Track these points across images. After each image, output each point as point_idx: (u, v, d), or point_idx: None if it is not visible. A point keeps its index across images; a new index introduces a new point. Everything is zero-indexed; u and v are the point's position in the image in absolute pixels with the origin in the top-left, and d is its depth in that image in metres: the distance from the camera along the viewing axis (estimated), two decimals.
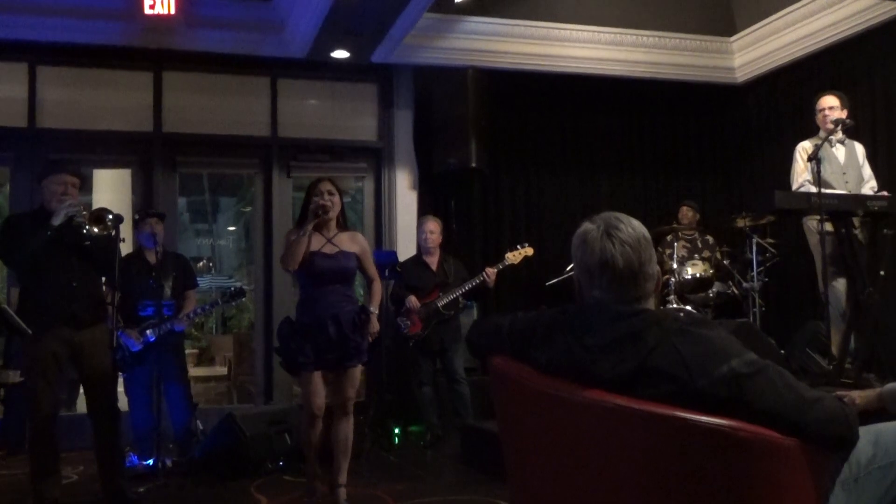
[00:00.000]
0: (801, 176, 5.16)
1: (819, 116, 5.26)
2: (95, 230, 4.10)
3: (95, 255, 4.16)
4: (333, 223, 4.20)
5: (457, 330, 6.00)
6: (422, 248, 6.26)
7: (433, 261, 6.16)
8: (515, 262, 6.08)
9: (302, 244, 4.03)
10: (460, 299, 6.07)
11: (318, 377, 4.10)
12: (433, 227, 6.17)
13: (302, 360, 4.05)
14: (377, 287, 4.38)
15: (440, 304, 5.95)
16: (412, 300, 5.97)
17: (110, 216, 4.16)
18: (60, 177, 4.18)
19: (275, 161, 7.06)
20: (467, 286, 5.96)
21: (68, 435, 4.62)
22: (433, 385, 6.10)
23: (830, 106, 5.21)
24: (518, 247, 6.13)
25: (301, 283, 4.22)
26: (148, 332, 5.07)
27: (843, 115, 5.18)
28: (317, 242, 4.12)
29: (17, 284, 6.29)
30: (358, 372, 4.19)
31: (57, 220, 4.03)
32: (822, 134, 5.22)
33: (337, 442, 4.12)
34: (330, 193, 4.14)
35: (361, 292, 8.14)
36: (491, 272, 5.93)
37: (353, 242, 4.24)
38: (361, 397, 7.22)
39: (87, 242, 4.11)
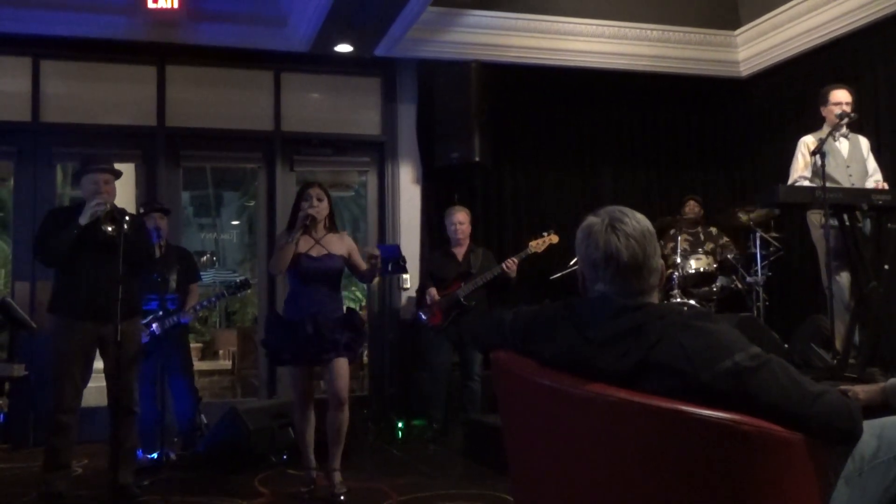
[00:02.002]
0: (798, 172, 5.14)
1: (833, 109, 5.19)
2: (110, 229, 4.15)
3: (126, 251, 4.17)
4: (322, 225, 4.40)
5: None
6: (451, 240, 6.23)
7: (460, 251, 6.13)
8: (539, 251, 6.00)
9: (288, 252, 4.23)
10: (485, 292, 6.00)
11: (302, 369, 4.30)
12: (462, 217, 6.15)
13: (284, 355, 4.30)
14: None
15: (461, 294, 5.90)
16: (432, 292, 5.95)
17: (127, 219, 4.19)
18: (92, 177, 4.27)
19: (278, 155, 7.06)
20: (488, 277, 5.91)
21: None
22: (446, 381, 6.01)
23: (847, 101, 5.17)
24: (543, 234, 6.06)
25: (289, 281, 4.43)
26: (153, 325, 5.09)
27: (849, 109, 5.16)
28: (305, 244, 4.32)
29: (23, 278, 6.35)
30: (343, 365, 4.30)
31: (84, 220, 4.14)
32: (826, 127, 5.19)
33: (329, 430, 4.30)
34: (318, 199, 4.35)
35: (360, 295, 8.17)
36: (511, 263, 5.89)
37: (341, 244, 4.42)
38: (365, 391, 7.25)
39: (113, 237, 4.14)
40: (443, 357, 6.00)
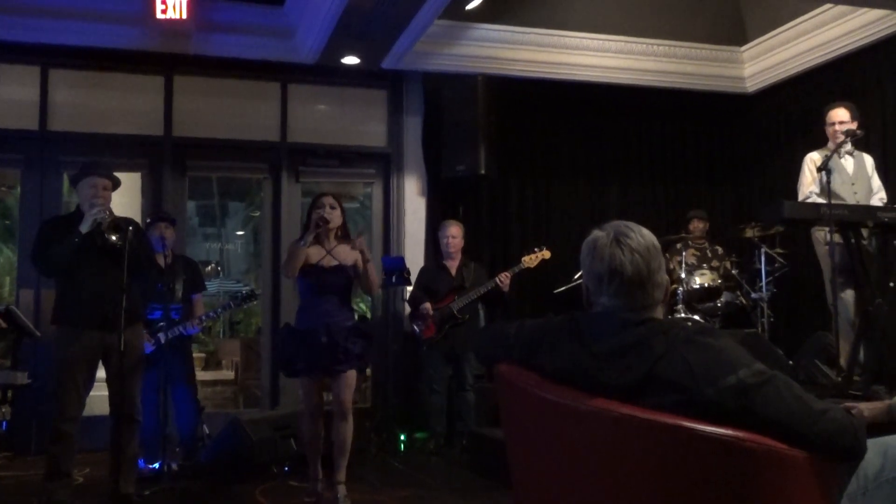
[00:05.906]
0: (807, 187, 5.14)
1: (829, 130, 5.23)
2: (114, 238, 4.14)
3: (129, 259, 4.16)
4: (333, 235, 4.42)
5: (469, 336, 5.98)
6: (443, 253, 6.28)
7: (453, 265, 6.18)
8: (532, 266, 6.05)
9: (301, 255, 4.28)
10: (478, 305, 6.06)
11: (314, 380, 4.34)
12: (455, 231, 6.20)
13: (297, 365, 4.30)
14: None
15: (455, 308, 5.95)
16: (427, 305, 5.98)
17: (131, 227, 4.18)
18: (92, 180, 4.25)
19: (284, 166, 7.07)
20: (481, 291, 5.97)
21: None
22: (445, 392, 6.07)
23: (841, 120, 5.18)
24: (535, 249, 6.10)
25: (301, 291, 4.46)
26: (158, 334, 5.08)
27: (854, 125, 5.15)
28: (316, 254, 4.34)
29: (27, 286, 6.37)
30: (352, 377, 4.36)
31: (84, 227, 4.12)
32: (830, 146, 5.19)
33: (335, 443, 4.32)
34: (332, 207, 4.37)
35: (364, 307, 8.20)
36: (504, 277, 5.93)
37: (351, 254, 4.42)
38: (367, 403, 7.24)
39: (118, 246, 4.13)
40: (439, 369, 6.05)
